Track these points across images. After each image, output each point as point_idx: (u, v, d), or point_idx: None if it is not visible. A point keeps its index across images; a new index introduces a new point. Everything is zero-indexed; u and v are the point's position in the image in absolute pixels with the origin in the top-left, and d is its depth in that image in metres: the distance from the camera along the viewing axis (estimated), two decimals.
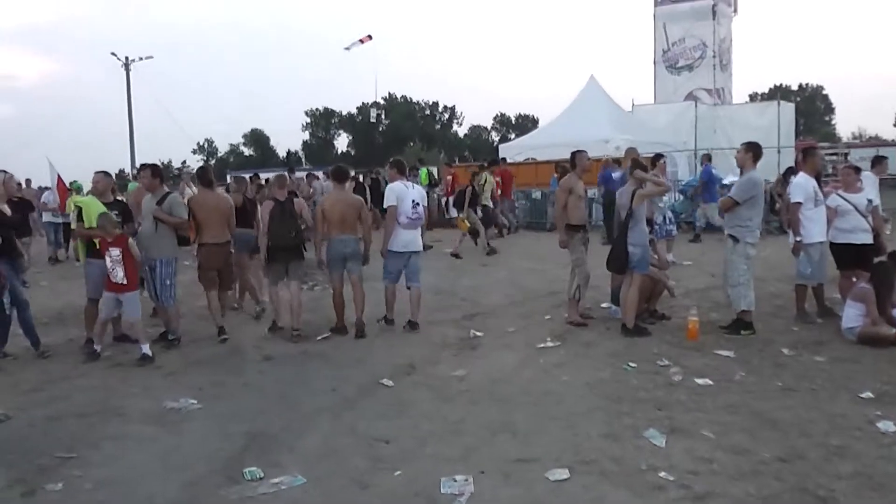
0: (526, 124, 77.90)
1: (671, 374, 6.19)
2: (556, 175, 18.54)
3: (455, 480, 4.18)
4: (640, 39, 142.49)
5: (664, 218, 10.32)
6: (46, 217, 15.46)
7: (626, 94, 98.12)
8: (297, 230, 8.10)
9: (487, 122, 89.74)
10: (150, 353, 7.23)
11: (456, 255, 14.17)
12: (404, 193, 8.22)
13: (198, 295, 9.14)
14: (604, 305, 8.89)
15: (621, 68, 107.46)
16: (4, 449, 4.98)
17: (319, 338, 7.95)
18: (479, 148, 68.74)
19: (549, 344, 7.33)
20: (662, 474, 4.23)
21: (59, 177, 12.08)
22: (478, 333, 7.85)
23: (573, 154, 8.40)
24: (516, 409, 5.43)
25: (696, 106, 27.57)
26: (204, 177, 8.58)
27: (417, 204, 8.24)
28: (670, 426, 4.98)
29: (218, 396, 6.03)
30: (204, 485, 4.33)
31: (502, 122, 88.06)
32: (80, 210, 7.71)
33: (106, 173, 8.16)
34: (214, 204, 8.33)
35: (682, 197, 15.75)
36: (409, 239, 8.25)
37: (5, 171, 7.58)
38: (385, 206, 8.36)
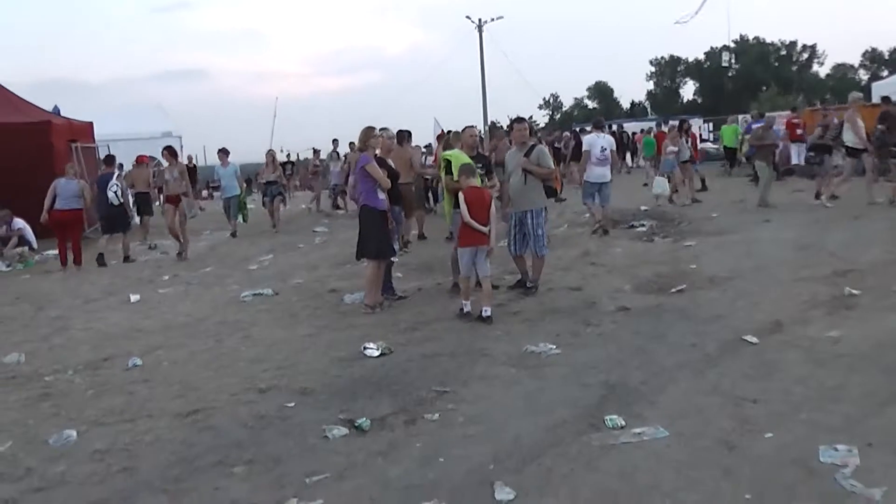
0: None
1: None
2: None
3: (836, 450, 3.79)
4: None
5: None
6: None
7: None
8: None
9: (854, 60, 79.81)
10: (489, 314, 6.98)
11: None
12: (595, 142, 12.01)
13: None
14: None
15: None
16: (389, 379, 5.54)
17: (674, 290, 7.76)
18: (844, 89, 61.36)
19: None
20: None
21: (441, 131, 13.41)
22: (854, 292, 7.02)
23: None
24: None
25: None
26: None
27: (605, 149, 11.92)
28: None
29: (574, 345, 6.12)
30: (567, 429, 4.40)
31: (873, 58, 77.48)
32: (448, 163, 8.07)
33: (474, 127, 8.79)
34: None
35: None
36: (600, 173, 11.99)
37: (387, 129, 8.31)
38: (583, 150, 12.29)
